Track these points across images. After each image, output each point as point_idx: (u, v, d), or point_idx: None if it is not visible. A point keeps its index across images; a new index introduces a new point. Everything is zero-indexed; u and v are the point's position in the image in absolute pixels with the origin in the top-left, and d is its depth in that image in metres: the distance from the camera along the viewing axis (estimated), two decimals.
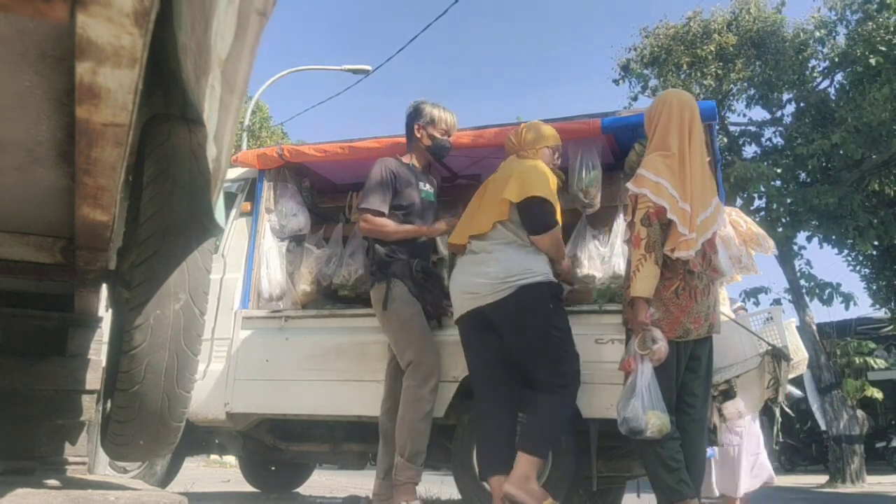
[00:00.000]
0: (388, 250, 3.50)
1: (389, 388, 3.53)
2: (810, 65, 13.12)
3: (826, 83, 13.16)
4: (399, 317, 3.41)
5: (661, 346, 2.83)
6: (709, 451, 3.94)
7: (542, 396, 3.04)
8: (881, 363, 12.63)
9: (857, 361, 12.12)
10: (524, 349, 3.10)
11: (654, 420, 2.78)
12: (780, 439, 15.31)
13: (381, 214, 3.49)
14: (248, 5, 0.88)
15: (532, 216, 3.14)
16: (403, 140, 3.96)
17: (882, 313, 15.59)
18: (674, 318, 2.89)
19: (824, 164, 12.10)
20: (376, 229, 3.50)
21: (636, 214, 2.93)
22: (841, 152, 11.14)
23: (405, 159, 3.70)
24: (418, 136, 3.66)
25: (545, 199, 3.12)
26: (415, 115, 3.68)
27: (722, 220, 3.19)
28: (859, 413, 11.50)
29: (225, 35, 0.96)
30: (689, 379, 2.99)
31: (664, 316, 2.89)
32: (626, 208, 3.30)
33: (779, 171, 11.77)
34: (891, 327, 15.39)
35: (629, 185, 3.03)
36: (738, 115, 14.14)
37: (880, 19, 11.68)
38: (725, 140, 13.24)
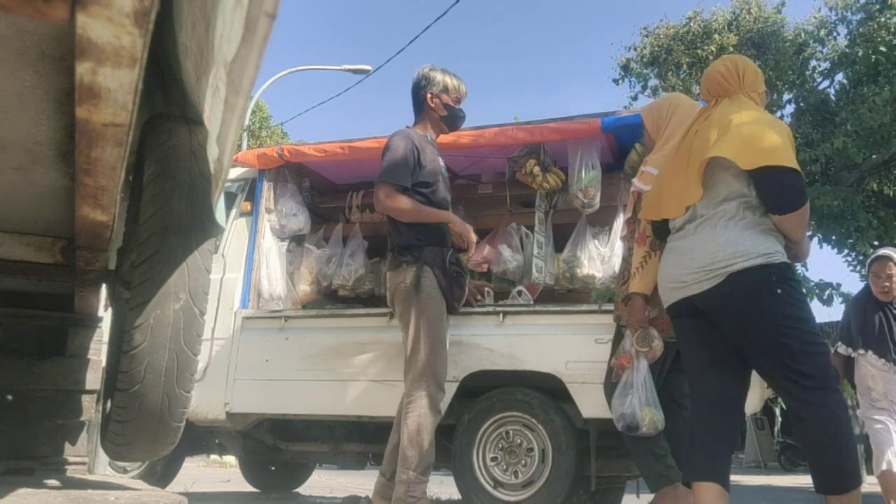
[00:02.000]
0: (418, 233, 3.19)
1: (405, 380, 3.24)
2: (810, 65, 13.13)
3: (826, 83, 13.17)
4: (425, 313, 3.10)
5: (659, 345, 2.85)
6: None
7: (803, 418, 2.30)
8: None
9: None
10: (753, 351, 2.36)
11: (649, 416, 2.80)
12: (780, 439, 15.31)
13: (404, 190, 3.16)
14: (257, 8, 0.87)
15: (776, 192, 2.31)
16: None
17: None
18: (667, 318, 2.89)
19: (823, 165, 12.11)
20: (395, 206, 3.15)
21: (641, 211, 2.88)
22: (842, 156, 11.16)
23: (420, 130, 3.37)
24: (432, 105, 3.35)
25: (794, 171, 2.28)
26: (426, 83, 3.35)
27: None
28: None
29: (231, 37, 0.96)
30: (679, 379, 3.00)
31: (659, 315, 2.88)
32: (626, 208, 3.30)
33: None
34: None
35: (634, 181, 3.02)
36: None
37: (882, 19, 11.69)
38: None
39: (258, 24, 0.89)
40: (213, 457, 8.02)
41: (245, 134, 14.86)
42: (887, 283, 3.84)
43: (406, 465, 3.01)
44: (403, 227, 3.20)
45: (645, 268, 2.86)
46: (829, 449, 2.23)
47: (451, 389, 3.57)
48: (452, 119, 3.40)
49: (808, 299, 12.32)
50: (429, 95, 3.34)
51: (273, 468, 5.29)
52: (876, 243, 12.00)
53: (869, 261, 3.80)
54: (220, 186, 1.64)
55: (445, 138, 3.74)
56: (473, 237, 3.27)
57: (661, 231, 2.66)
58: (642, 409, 2.80)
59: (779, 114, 13.56)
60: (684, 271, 2.39)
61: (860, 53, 11.56)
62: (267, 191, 4.33)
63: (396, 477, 3.06)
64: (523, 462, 3.52)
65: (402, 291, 3.13)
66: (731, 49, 12.78)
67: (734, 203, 2.33)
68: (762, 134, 2.30)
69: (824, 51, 12.99)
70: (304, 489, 5.64)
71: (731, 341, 2.39)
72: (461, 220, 3.28)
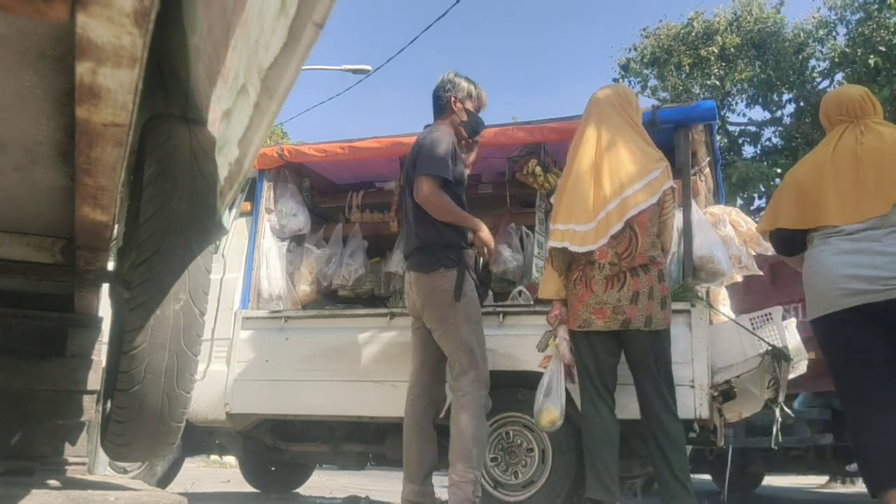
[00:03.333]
0: (459, 234, 3.18)
1: (426, 384, 3.26)
2: (810, 65, 13.14)
3: (826, 83, 13.17)
4: (469, 317, 3.10)
5: (561, 343, 2.99)
6: None
7: None
8: None
9: None
10: None
11: (545, 414, 2.95)
12: (780, 440, 15.29)
13: (446, 184, 3.14)
14: (305, 17, 0.87)
15: None
16: (404, 140, 3.96)
17: None
18: (573, 307, 3.00)
19: None
20: (437, 202, 3.11)
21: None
22: None
23: (448, 129, 3.36)
24: (455, 109, 3.38)
25: None
26: (451, 87, 3.39)
27: (662, 194, 2.99)
28: None
29: (270, 44, 0.96)
30: (637, 378, 3.01)
31: (570, 306, 3.02)
32: None
33: (779, 171, 11.78)
34: None
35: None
36: (738, 115, 14.17)
37: (880, 19, 11.69)
38: (726, 140, 13.25)
39: (304, 32, 0.88)
40: (213, 457, 8.02)
41: None
42: None
43: (470, 464, 2.97)
44: (444, 227, 3.15)
45: (543, 274, 3.13)
46: None
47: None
48: (473, 125, 3.44)
49: None
50: (453, 99, 3.37)
51: (273, 468, 5.29)
52: None
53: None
54: (235, 188, 1.63)
55: None
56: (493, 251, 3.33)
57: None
58: (543, 406, 2.95)
59: (779, 113, 13.56)
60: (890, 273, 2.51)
61: (859, 53, 11.56)
62: (267, 191, 4.33)
63: (459, 477, 2.96)
64: (523, 462, 3.52)
65: (440, 296, 3.09)
66: (733, 49, 12.78)
67: None
68: None
69: (824, 50, 12.99)
70: (304, 489, 5.64)
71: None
72: (488, 231, 3.27)
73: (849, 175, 2.64)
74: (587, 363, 2.96)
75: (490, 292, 4.01)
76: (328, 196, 4.81)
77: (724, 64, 12.85)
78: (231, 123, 1.31)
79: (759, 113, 16.56)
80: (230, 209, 4.42)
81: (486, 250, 3.25)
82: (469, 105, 3.40)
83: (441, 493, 3.33)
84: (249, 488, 5.40)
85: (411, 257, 3.25)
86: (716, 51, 12.77)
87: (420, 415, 3.22)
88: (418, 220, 3.19)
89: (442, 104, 3.40)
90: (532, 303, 3.92)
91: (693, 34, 13.20)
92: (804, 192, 2.74)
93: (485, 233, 3.21)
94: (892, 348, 2.52)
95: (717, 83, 12.70)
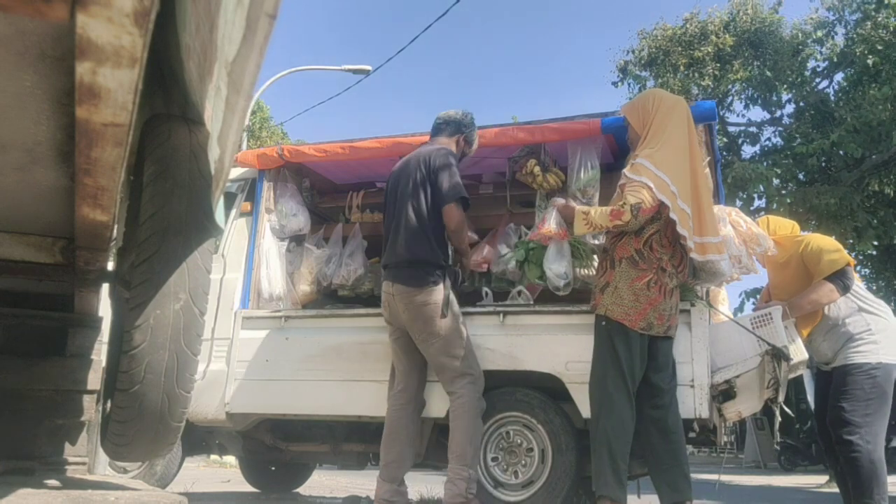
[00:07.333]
0: (445, 252, 3.39)
1: (415, 390, 3.44)
2: (809, 65, 13.13)
3: (825, 83, 13.17)
4: (456, 328, 3.30)
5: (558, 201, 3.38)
6: None
7: None
8: None
9: None
10: None
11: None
12: (780, 439, 15.30)
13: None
14: (258, 8, 0.88)
15: None
16: (404, 140, 3.96)
17: None
18: (641, 308, 3.00)
19: (823, 164, 12.11)
20: (465, 231, 3.44)
21: (623, 198, 3.03)
22: (840, 152, 11.14)
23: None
24: (459, 145, 3.62)
25: None
26: (468, 127, 3.63)
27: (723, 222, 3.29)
28: None
29: (233, 37, 0.96)
30: (660, 379, 3.06)
31: (633, 306, 2.99)
32: (614, 199, 3.35)
33: (778, 171, 11.77)
34: None
35: (626, 171, 3.11)
36: (738, 115, 14.17)
37: (879, 19, 11.69)
38: (725, 140, 13.25)
39: (259, 24, 0.89)
40: (213, 457, 8.01)
41: (245, 134, 14.85)
42: None
43: (465, 462, 3.13)
44: (436, 244, 3.31)
45: (598, 214, 3.15)
46: None
47: None
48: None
49: None
50: (461, 136, 3.60)
51: (273, 468, 5.29)
52: (875, 243, 12.00)
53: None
54: (220, 187, 1.64)
55: None
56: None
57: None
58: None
59: (778, 114, 13.56)
60: None
61: (858, 53, 11.57)
62: (267, 191, 4.33)
63: (454, 474, 3.15)
64: (523, 462, 3.52)
65: (430, 311, 3.24)
66: (729, 50, 12.77)
67: None
68: None
69: (822, 51, 12.99)
70: (304, 489, 5.63)
71: None
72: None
73: None
74: (635, 363, 3.00)
75: (490, 292, 4.02)
76: (328, 196, 4.81)
77: (718, 64, 12.85)
78: (211, 121, 1.31)
79: (758, 113, 16.53)
80: (230, 209, 4.42)
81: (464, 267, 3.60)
82: (467, 149, 3.65)
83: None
84: (249, 488, 5.39)
85: (397, 269, 3.34)
86: (710, 51, 12.77)
87: (407, 420, 3.35)
88: (414, 234, 3.31)
89: (450, 131, 3.59)
90: (532, 302, 3.92)
91: (688, 35, 13.20)
92: None
93: (470, 260, 3.67)
94: None
95: (712, 84, 12.69)
